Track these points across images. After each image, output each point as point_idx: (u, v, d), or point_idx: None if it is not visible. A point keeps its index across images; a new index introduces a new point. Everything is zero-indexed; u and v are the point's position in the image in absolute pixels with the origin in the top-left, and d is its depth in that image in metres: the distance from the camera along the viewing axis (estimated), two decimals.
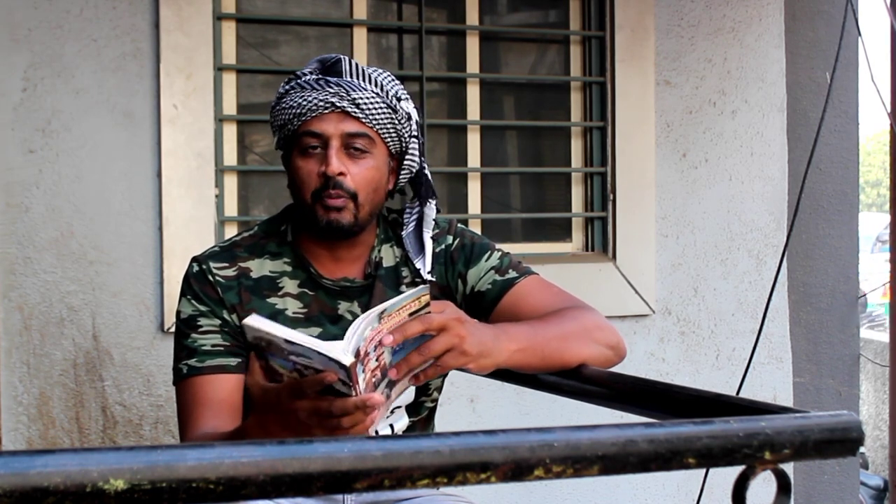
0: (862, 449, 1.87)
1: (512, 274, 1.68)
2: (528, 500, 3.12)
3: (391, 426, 1.53)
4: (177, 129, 2.80)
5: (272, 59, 3.09)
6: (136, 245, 2.77)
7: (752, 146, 3.37)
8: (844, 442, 0.96)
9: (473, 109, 3.23)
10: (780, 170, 3.40)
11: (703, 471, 2.97)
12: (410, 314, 1.30)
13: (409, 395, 1.60)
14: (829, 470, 3.46)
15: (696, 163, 3.33)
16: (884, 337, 5.07)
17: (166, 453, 0.76)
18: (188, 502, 0.75)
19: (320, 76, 1.61)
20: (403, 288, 1.67)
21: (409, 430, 1.63)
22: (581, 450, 0.86)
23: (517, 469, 0.83)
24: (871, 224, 11.82)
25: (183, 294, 1.65)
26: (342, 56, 1.64)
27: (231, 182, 2.96)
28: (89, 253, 2.74)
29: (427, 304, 1.32)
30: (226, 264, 1.65)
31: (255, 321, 1.24)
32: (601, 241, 3.29)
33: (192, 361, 1.59)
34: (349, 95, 1.58)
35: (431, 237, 1.71)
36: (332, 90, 1.58)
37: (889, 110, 3.20)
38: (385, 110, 1.61)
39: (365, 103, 1.59)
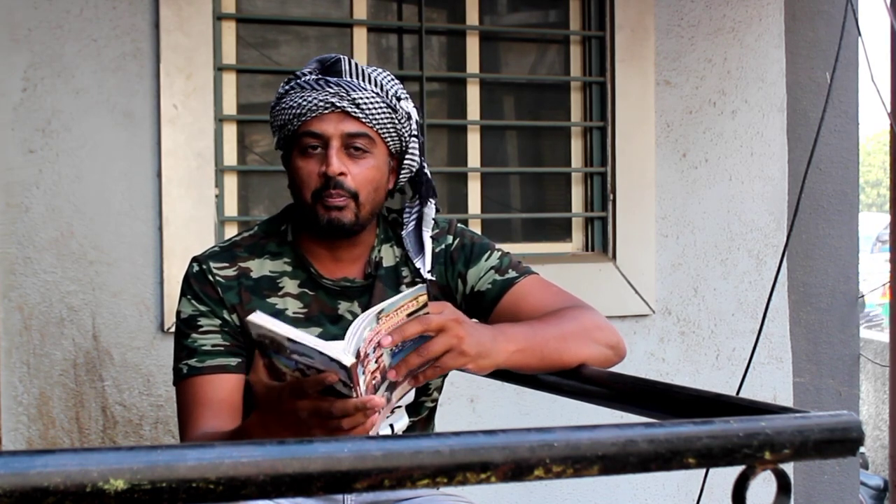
0: (862, 449, 1.87)
1: (512, 274, 1.68)
2: (528, 500, 3.12)
3: (391, 426, 1.53)
4: (177, 129, 2.80)
5: (272, 59, 3.09)
6: (136, 245, 2.77)
7: (752, 146, 3.37)
8: (844, 442, 0.96)
9: (473, 109, 3.23)
10: (780, 170, 3.40)
11: (703, 471, 2.97)
12: (408, 315, 1.30)
13: (409, 395, 1.60)
14: (829, 470, 3.46)
15: (696, 163, 3.33)
16: (883, 337, 5.07)
17: (166, 453, 0.76)
18: (188, 502, 0.75)
19: (320, 76, 1.61)
20: (403, 288, 1.67)
21: (409, 430, 1.63)
22: (581, 450, 0.86)
23: (517, 469, 0.83)
24: (871, 224, 11.83)
25: (183, 294, 1.65)
26: (342, 56, 1.64)
27: (231, 182, 2.96)
28: (89, 253, 2.74)
29: (425, 305, 1.32)
30: (226, 264, 1.65)
31: (258, 318, 1.24)
32: (601, 241, 3.29)
33: (193, 361, 1.59)
34: (349, 95, 1.58)
35: (431, 237, 1.71)
36: (332, 90, 1.58)
37: (889, 110, 3.20)
38: (385, 110, 1.61)
39: (365, 103, 1.59)
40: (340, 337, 1.23)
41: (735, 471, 0.93)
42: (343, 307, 1.66)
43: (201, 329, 1.61)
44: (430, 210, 1.71)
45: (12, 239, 2.69)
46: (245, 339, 1.62)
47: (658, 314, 3.26)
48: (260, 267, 1.66)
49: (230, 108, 2.95)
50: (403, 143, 1.66)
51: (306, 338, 1.22)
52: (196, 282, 1.64)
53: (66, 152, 2.73)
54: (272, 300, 1.64)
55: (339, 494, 1.63)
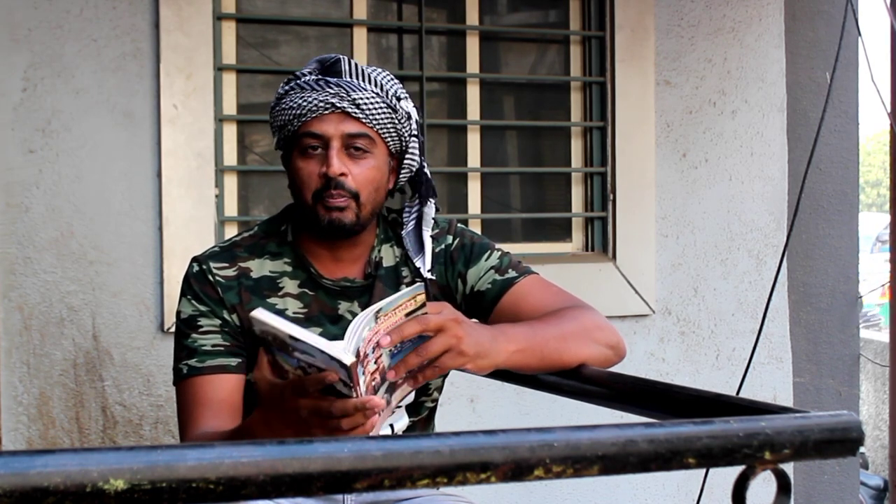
0: (862, 449, 1.87)
1: (512, 273, 1.68)
2: (528, 500, 3.12)
3: (391, 426, 1.53)
4: (177, 129, 2.80)
5: (272, 59, 3.09)
6: (136, 245, 2.77)
7: (752, 146, 3.37)
8: (844, 442, 0.96)
9: (473, 109, 3.23)
10: (780, 170, 3.40)
11: (703, 471, 2.97)
12: (407, 314, 1.30)
13: (409, 395, 1.60)
14: (829, 470, 3.46)
15: (696, 163, 3.33)
16: (883, 337, 5.07)
17: (166, 453, 0.76)
18: (188, 502, 0.75)
19: (320, 76, 1.61)
20: (403, 288, 1.67)
21: (409, 430, 1.63)
22: (581, 450, 0.86)
23: (517, 469, 0.83)
24: (871, 224, 11.83)
25: (183, 294, 1.65)
26: (341, 56, 1.63)
27: (231, 182, 2.96)
28: (89, 253, 2.74)
29: (423, 305, 1.32)
30: (226, 264, 1.65)
31: (261, 314, 1.24)
32: (601, 241, 3.29)
33: (193, 361, 1.59)
34: (349, 96, 1.58)
35: (431, 236, 1.71)
36: (332, 91, 1.58)
37: (889, 110, 3.20)
38: (385, 110, 1.61)
39: (365, 103, 1.59)
40: (340, 337, 1.23)
41: (735, 471, 0.93)
42: (343, 307, 1.66)
43: (201, 329, 1.61)
44: (430, 209, 1.71)
45: (12, 239, 2.69)
46: (245, 339, 1.62)
47: (658, 314, 3.26)
48: (260, 267, 1.66)
49: (230, 108, 2.95)
50: (403, 143, 1.66)
51: (308, 335, 1.22)
52: (196, 282, 1.64)
53: (66, 152, 2.73)
54: (272, 300, 1.64)
55: (339, 494, 1.63)
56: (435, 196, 1.73)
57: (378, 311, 1.25)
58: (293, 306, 1.64)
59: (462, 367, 1.40)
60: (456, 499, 1.68)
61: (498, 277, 1.68)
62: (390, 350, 1.30)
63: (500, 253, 1.72)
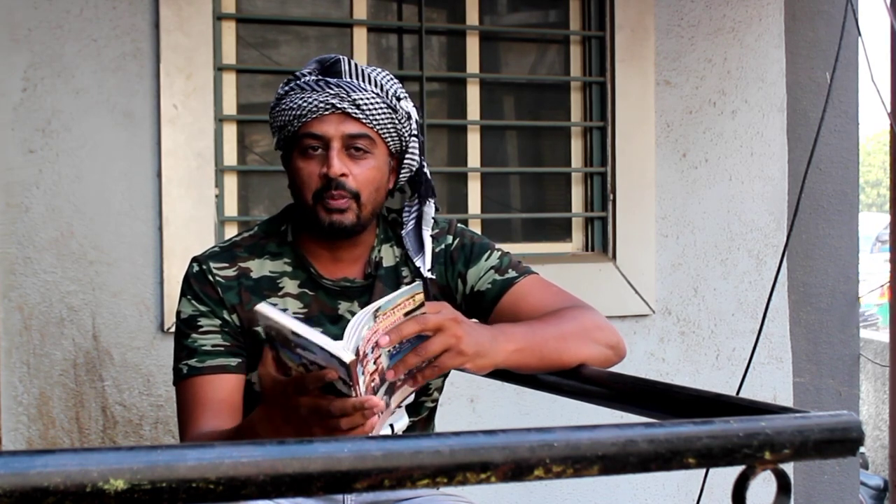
0: (862, 449, 1.87)
1: (511, 273, 1.68)
2: (528, 500, 3.12)
3: (391, 426, 1.53)
4: (177, 129, 2.80)
5: (272, 59, 3.09)
6: (136, 245, 2.77)
7: (752, 146, 3.37)
8: (844, 442, 0.96)
9: (473, 109, 3.23)
10: (780, 170, 3.40)
11: (703, 471, 2.97)
12: (406, 314, 1.30)
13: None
14: (829, 470, 3.46)
15: (696, 163, 3.33)
16: (883, 337, 5.07)
17: (166, 453, 0.76)
18: (188, 502, 0.75)
19: (320, 77, 1.61)
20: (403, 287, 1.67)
21: (409, 430, 1.63)
22: (581, 450, 0.86)
23: (517, 469, 0.83)
24: (871, 224, 11.84)
25: (183, 294, 1.65)
26: (341, 56, 1.63)
27: (231, 182, 2.96)
28: (89, 253, 2.74)
29: (422, 304, 1.32)
30: (226, 264, 1.65)
31: (266, 308, 1.24)
32: (601, 241, 3.29)
33: (193, 361, 1.59)
34: (350, 96, 1.58)
35: (431, 236, 1.71)
36: (332, 91, 1.58)
37: (889, 110, 3.20)
38: (385, 110, 1.61)
39: (365, 104, 1.59)
40: (340, 337, 1.23)
41: (735, 471, 0.93)
42: (343, 307, 1.66)
43: (201, 329, 1.61)
44: (430, 209, 1.71)
45: (12, 239, 2.69)
46: (245, 340, 1.62)
47: (658, 314, 3.26)
48: (260, 267, 1.66)
49: (230, 108, 2.95)
50: (403, 143, 1.66)
51: (309, 332, 1.22)
52: (196, 282, 1.64)
53: (66, 152, 2.73)
54: (272, 300, 1.64)
55: (339, 494, 1.63)
56: (434, 196, 1.73)
57: (377, 310, 1.25)
58: (293, 306, 1.64)
59: (461, 367, 1.40)
60: (456, 499, 1.68)
61: (498, 277, 1.68)
62: (389, 351, 1.29)
63: (500, 253, 1.72)
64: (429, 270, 1.68)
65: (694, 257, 3.32)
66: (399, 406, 1.49)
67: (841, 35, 3.09)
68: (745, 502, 0.92)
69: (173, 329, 1.75)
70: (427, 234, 1.70)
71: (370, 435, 1.27)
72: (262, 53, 3.08)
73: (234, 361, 1.60)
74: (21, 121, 2.70)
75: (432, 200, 1.72)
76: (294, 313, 1.63)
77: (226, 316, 1.62)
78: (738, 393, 3.06)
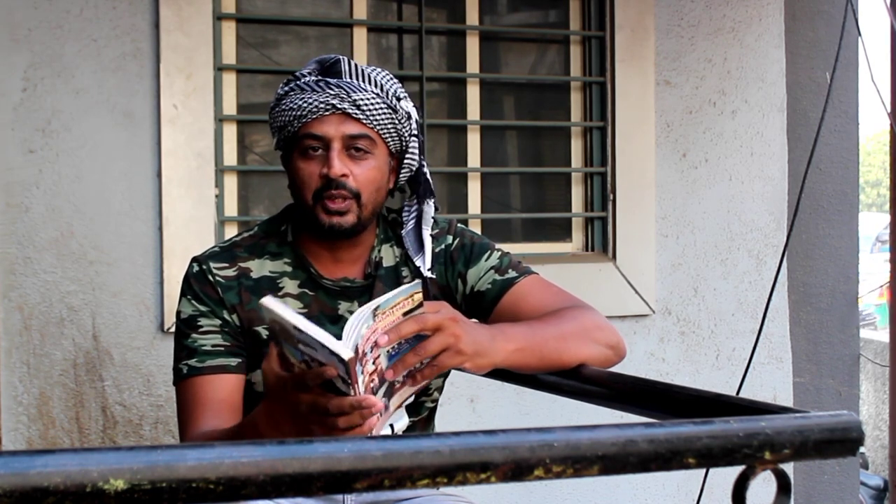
0: (862, 449, 1.87)
1: (512, 273, 1.68)
2: (528, 500, 3.12)
3: (391, 426, 1.53)
4: (177, 129, 2.80)
5: (272, 59, 3.09)
6: (136, 245, 2.77)
7: (752, 146, 3.37)
8: (844, 442, 0.96)
9: (473, 109, 3.23)
10: (780, 170, 3.40)
11: (703, 471, 2.97)
12: (404, 313, 1.29)
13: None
14: (829, 470, 3.46)
15: (696, 163, 3.33)
16: (883, 337, 5.07)
17: (166, 453, 0.76)
18: (188, 502, 0.75)
19: (320, 77, 1.61)
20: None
21: (409, 430, 1.63)
22: (581, 450, 0.85)
23: (517, 469, 0.83)
24: (871, 224, 11.84)
25: (183, 294, 1.65)
26: (341, 56, 1.63)
27: (231, 182, 2.96)
28: (89, 253, 2.74)
29: (421, 304, 1.32)
30: (226, 264, 1.65)
31: (270, 302, 1.24)
32: (601, 241, 3.29)
33: (193, 361, 1.59)
34: (350, 97, 1.58)
35: (431, 236, 1.71)
36: (332, 92, 1.58)
37: (889, 110, 3.20)
38: (385, 110, 1.61)
39: (365, 104, 1.58)
40: (340, 337, 1.23)
41: (735, 471, 0.93)
42: (343, 307, 1.66)
43: (201, 329, 1.61)
44: (429, 209, 1.71)
45: (12, 239, 2.69)
46: (245, 340, 1.62)
47: (658, 314, 3.26)
48: (260, 267, 1.66)
49: (230, 108, 2.95)
50: (403, 143, 1.66)
51: (311, 328, 1.21)
52: (196, 282, 1.64)
53: (66, 152, 2.73)
54: None
55: (339, 494, 1.63)
56: (434, 195, 1.73)
57: (376, 309, 1.25)
58: (293, 306, 1.64)
59: (461, 367, 1.40)
60: (456, 499, 1.68)
61: (498, 277, 1.68)
62: (388, 352, 1.29)
63: (500, 253, 1.72)
64: (429, 270, 1.68)
65: (694, 257, 3.32)
66: (399, 407, 1.49)
67: (841, 35, 3.09)
68: (745, 502, 0.92)
69: (173, 329, 1.75)
70: (427, 233, 1.70)
71: (370, 435, 1.27)
72: (262, 53, 3.08)
73: (234, 361, 1.60)
74: (21, 121, 2.70)
75: (432, 200, 1.72)
76: None
77: (226, 316, 1.62)
78: (738, 393, 3.06)
